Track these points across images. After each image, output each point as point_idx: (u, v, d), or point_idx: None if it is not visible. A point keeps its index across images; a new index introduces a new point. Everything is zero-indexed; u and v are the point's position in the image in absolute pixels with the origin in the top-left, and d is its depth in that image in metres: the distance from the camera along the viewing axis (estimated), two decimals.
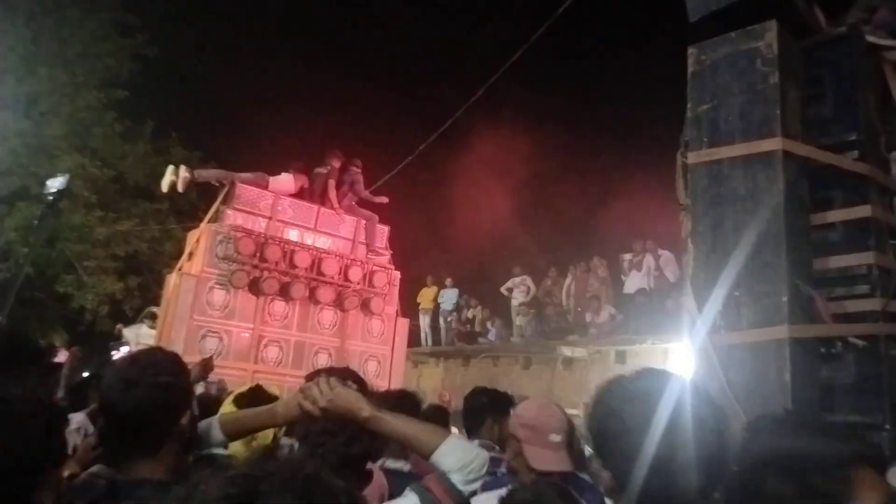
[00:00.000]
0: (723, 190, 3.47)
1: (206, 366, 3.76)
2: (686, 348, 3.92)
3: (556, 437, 2.30)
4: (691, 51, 3.69)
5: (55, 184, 8.14)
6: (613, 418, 1.34)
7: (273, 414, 1.82)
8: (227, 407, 2.45)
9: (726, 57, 3.53)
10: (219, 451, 1.87)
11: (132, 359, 1.66)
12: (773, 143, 3.32)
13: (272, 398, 2.34)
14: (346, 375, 1.79)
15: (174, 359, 1.73)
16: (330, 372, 1.79)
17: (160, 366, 1.63)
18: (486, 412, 3.22)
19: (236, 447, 2.05)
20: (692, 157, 3.58)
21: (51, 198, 7.63)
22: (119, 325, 11.34)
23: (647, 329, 10.51)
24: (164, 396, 1.60)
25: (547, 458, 2.25)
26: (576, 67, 18.76)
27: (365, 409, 1.61)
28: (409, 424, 1.65)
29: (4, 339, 1.93)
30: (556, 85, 18.68)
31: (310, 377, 1.85)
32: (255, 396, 2.48)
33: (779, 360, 3.29)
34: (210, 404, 2.94)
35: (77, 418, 3.56)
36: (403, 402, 2.97)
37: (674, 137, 3.90)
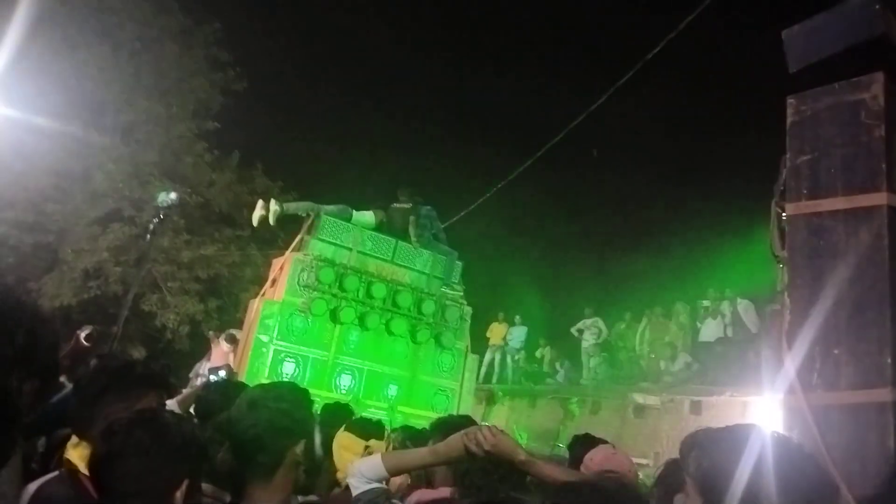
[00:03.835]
0: (823, 243, 3.37)
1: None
2: (770, 403, 3.78)
3: None
4: (791, 101, 3.62)
5: (167, 199, 8.61)
6: (729, 478, 1.34)
7: (436, 453, 2.04)
8: (345, 436, 2.68)
9: (829, 108, 3.46)
10: (379, 485, 2.03)
11: (261, 385, 1.76)
12: (878, 198, 3.22)
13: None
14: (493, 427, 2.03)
15: (296, 389, 1.81)
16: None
17: (282, 393, 1.72)
18: None
19: None
20: (791, 209, 3.50)
21: (162, 214, 8.07)
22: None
23: (724, 380, 10.17)
24: (281, 421, 1.68)
25: None
26: (661, 112, 18.60)
27: (522, 454, 1.89)
28: (557, 469, 1.93)
29: (128, 367, 2.06)
30: (639, 124, 18.58)
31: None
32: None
33: (880, 424, 3.14)
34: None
35: None
36: None
37: (757, 187, 3.83)
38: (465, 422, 2.80)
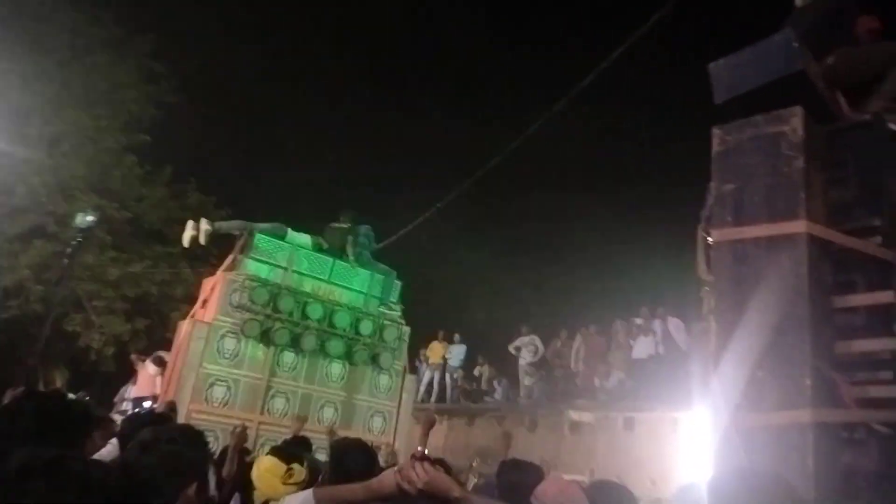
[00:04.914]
0: (746, 269, 3.49)
1: (242, 436, 3.81)
2: (697, 420, 3.88)
3: None
4: (716, 131, 3.76)
5: (84, 221, 8.26)
6: None
7: (369, 489, 1.99)
8: (267, 459, 2.62)
9: (752, 139, 3.60)
10: None
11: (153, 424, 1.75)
12: (798, 226, 3.36)
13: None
14: (437, 461, 2.05)
15: (188, 430, 1.82)
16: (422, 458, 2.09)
17: (174, 435, 1.71)
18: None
19: None
20: (716, 235, 3.61)
21: (80, 237, 7.73)
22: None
23: (656, 396, 10.41)
24: (173, 463, 1.66)
25: None
26: (600, 134, 19.14)
27: (456, 491, 1.85)
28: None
29: (57, 408, 1.94)
30: (573, 150, 19.02)
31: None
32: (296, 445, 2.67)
33: (802, 444, 3.25)
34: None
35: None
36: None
37: (688, 210, 3.96)
38: (357, 444, 2.93)
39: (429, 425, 4.50)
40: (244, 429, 3.98)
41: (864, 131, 3.58)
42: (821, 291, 3.46)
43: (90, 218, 5.88)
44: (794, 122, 3.45)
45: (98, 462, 1.48)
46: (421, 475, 1.87)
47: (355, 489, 2.07)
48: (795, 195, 3.41)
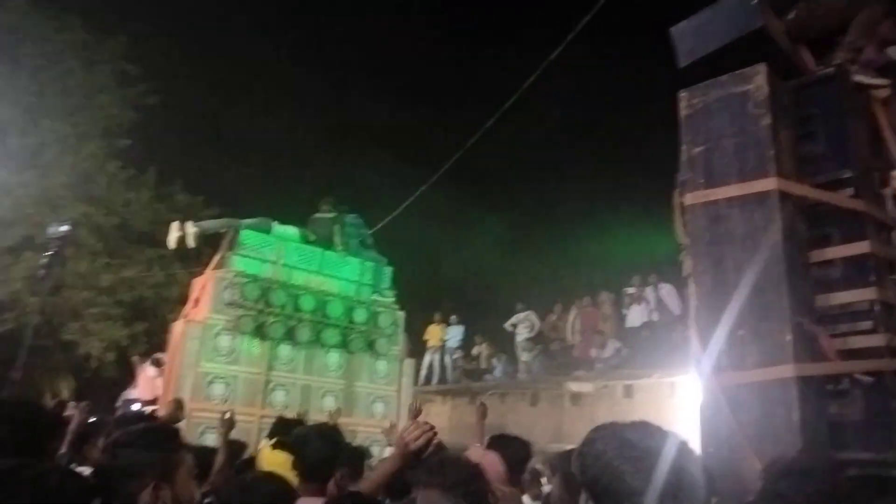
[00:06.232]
0: (721, 230, 3.51)
1: (229, 424, 3.85)
2: (693, 384, 3.92)
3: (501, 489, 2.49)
4: (682, 94, 3.76)
5: (58, 231, 8.24)
6: (616, 479, 1.35)
7: (394, 459, 2.28)
8: (275, 454, 2.76)
9: (718, 100, 3.61)
10: None
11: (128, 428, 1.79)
12: (768, 184, 3.38)
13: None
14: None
15: (151, 430, 1.92)
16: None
17: (134, 436, 1.76)
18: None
19: None
20: (689, 198, 3.63)
21: (55, 247, 7.70)
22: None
23: (653, 363, 10.48)
24: (123, 467, 1.76)
25: None
26: (578, 104, 19.04)
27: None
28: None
29: (24, 416, 1.96)
30: (559, 120, 18.96)
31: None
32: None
33: (786, 399, 3.29)
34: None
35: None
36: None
37: (673, 172, 3.96)
38: (319, 432, 2.99)
39: (481, 413, 4.95)
40: (231, 416, 4.04)
41: (830, 84, 3.58)
42: (796, 247, 3.48)
43: (64, 227, 5.86)
44: (758, 79, 3.46)
45: (56, 469, 1.49)
46: (414, 433, 2.17)
47: (384, 466, 2.33)
48: (764, 153, 3.42)
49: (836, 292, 3.51)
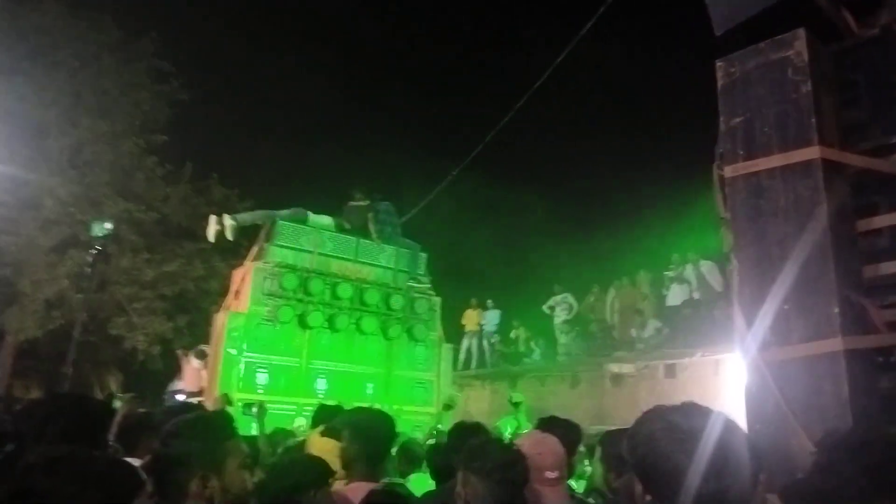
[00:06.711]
0: (763, 202, 3.42)
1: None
2: (738, 361, 3.85)
3: (551, 475, 2.29)
4: (720, 64, 3.66)
5: (101, 229, 8.45)
6: (662, 458, 1.37)
7: None
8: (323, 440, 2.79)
9: (756, 68, 3.50)
10: None
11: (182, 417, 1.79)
12: (811, 153, 3.27)
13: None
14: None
15: (200, 420, 1.97)
16: None
17: (182, 427, 1.84)
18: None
19: None
20: (729, 171, 3.54)
21: (99, 245, 7.90)
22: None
23: (695, 341, 10.33)
24: (177, 453, 1.79)
25: (545, 496, 2.25)
26: (610, 84, 18.73)
27: None
28: None
29: (76, 408, 2.02)
30: (593, 100, 18.68)
31: None
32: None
33: (834, 373, 3.20)
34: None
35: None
36: None
37: (709, 149, 3.87)
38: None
39: None
40: (261, 405, 4.21)
41: (874, 47, 3.45)
42: (842, 217, 3.38)
43: (107, 225, 6.00)
44: (797, 45, 3.34)
45: (104, 456, 1.52)
46: None
47: None
48: (806, 121, 3.31)
49: (884, 262, 3.40)
